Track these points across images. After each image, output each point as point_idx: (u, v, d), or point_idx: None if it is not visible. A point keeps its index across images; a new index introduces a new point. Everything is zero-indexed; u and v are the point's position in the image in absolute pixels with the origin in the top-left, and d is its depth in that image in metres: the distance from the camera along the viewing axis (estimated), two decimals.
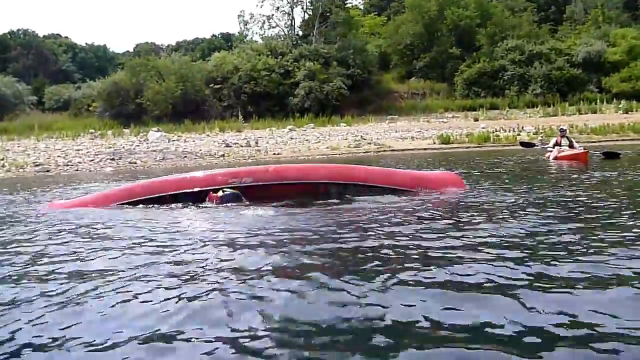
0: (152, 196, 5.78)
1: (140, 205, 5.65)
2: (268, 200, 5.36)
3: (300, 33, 44.43)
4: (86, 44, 70.81)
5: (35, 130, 29.96)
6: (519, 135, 21.90)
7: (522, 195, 5.28)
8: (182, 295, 2.33)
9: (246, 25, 43.90)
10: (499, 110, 33.22)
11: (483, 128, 24.81)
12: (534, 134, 21.68)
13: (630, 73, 34.94)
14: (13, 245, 3.86)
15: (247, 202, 5.37)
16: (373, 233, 3.62)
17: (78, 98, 41.46)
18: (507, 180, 7.15)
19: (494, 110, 33.32)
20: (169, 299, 2.31)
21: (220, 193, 5.49)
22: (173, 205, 5.54)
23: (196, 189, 5.63)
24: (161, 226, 4.34)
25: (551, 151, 11.68)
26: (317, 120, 32.29)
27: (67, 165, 17.37)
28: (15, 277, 2.87)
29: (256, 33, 45.48)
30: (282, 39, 42.56)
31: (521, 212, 4.23)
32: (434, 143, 21.78)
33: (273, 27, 43.28)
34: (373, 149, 21.38)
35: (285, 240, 3.50)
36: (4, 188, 10.71)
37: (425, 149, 20.89)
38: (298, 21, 43.73)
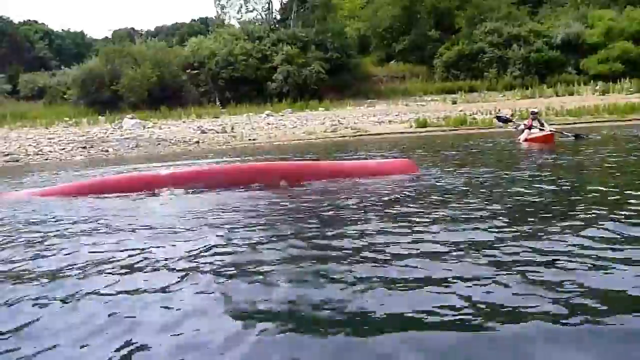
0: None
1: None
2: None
3: (278, 17, 43.97)
4: (62, 30, 69.52)
5: (8, 119, 29.37)
6: (495, 118, 21.88)
7: (472, 177, 5.22)
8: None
9: (223, 9, 43.42)
10: (478, 93, 33.26)
11: (460, 111, 24.79)
12: (510, 115, 21.69)
13: (608, 55, 35.08)
14: None
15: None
16: (315, 218, 3.53)
17: (53, 86, 40.71)
18: (465, 164, 7.09)
19: (472, 93, 33.35)
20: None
21: None
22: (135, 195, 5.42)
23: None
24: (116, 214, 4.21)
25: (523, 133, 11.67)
26: (295, 105, 32.08)
27: (38, 155, 17.03)
28: None
29: (233, 17, 44.99)
30: (260, 23, 42.09)
31: (464, 195, 4.16)
32: (411, 127, 21.72)
33: (250, 11, 42.87)
34: (350, 133, 21.26)
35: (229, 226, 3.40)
36: None
37: (401, 132, 20.82)
38: (276, 5, 43.35)
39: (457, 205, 3.72)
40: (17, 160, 16.04)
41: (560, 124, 17.01)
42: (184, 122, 27.00)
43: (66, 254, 2.99)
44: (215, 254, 2.77)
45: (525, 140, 11.16)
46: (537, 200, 3.90)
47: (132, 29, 63.88)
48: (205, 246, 2.94)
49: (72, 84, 36.53)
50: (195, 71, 36.00)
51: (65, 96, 37.47)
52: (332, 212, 3.87)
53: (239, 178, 5.56)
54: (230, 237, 3.17)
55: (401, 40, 40.89)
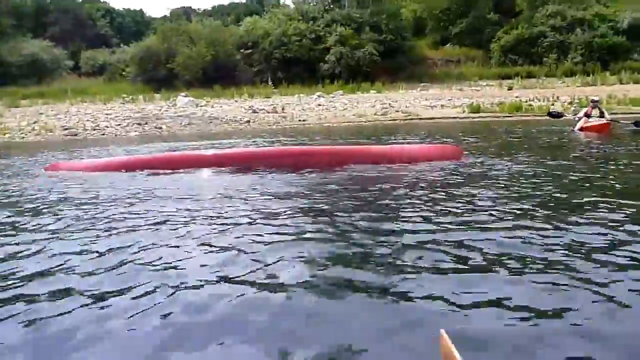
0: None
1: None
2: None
3: None
4: (123, 8, 71.18)
5: (69, 94, 30.46)
6: (552, 105, 21.16)
7: (518, 166, 5.06)
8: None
9: None
10: (536, 79, 32.13)
11: (516, 97, 24.06)
12: (568, 103, 20.91)
13: None
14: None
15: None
16: (357, 202, 3.52)
17: (112, 63, 41.92)
18: (514, 151, 6.87)
19: (530, 79, 32.24)
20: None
21: None
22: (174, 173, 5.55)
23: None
24: (147, 190, 4.32)
25: (579, 121, 11.25)
26: (346, 87, 31.88)
27: (95, 130, 17.63)
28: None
29: None
30: (314, 3, 41.82)
31: (506, 184, 4.04)
32: (463, 112, 21.28)
33: None
34: (400, 117, 21.03)
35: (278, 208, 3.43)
36: (25, 151, 10.95)
37: (454, 117, 20.42)
38: None
39: (497, 194, 3.62)
40: (76, 135, 16.66)
41: (622, 113, 16.29)
42: (236, 101, 27.33)
43: (110, 224, 3.09)
44: (253, 232, 2.80)
45: (581, 128, 10.75)
46: (580, 191, 3.75)
47: (189, 7, 64.72)
48: (241, 224, 2.98)
49: (130, 62, 37.52)
50: (249, 51, 36.23)
51: (123, 73, 38.53)
52: (368, 195, 3.85)
53: (281, 160, 5.60)
54: (270, 217, 3.19)
55: (458, 23, 39.84)
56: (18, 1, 56.61)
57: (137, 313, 1.78)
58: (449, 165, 5.17)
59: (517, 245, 2.36)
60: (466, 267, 2.11)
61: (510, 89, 29.14)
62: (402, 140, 9.83)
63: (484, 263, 2.15)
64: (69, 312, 1.84)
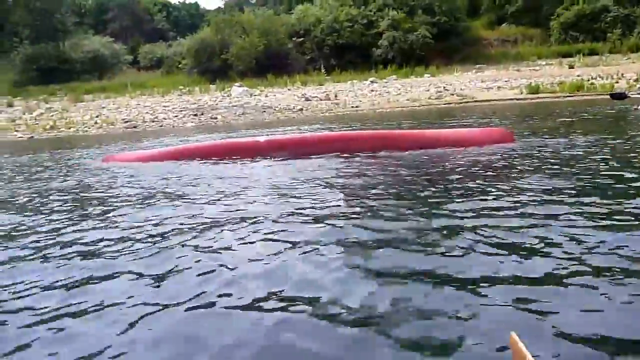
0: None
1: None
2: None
3: None
4: (179, 2, 72.71)
5: (129, 88, 31.49)
6: (617, 83, 20.18)
7: (573, 149, 4.85)
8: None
9: None
10: (599, 56, 30.70)
11: (578, 76, 23.11)
12: (634, 81, 19.88)
13: None
14: (69, 194, 4.10)
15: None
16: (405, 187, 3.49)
17: (169, 56, 43.02)
18: (572, 133, 6.59)
19: (592, 57, 30.83)
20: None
21: None
22: (228, 161, 5.64)
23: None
24: (215, 178, 4.43)
25: None
26: (400, 71, 31.51)
27: (154, 122, 18.17)
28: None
29: None
30: None
31: (559, 168, 3.89)
32: (521, 93, 20.61)
33: None
34: (455, 100, 20.61)
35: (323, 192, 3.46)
36: (82, 142, 11.42)
37: (511, 99, 19.82)
38: None
39: (548, 181, 3.49)
40: (136, 127, 17.23)
41: None
42: (289, 89, 27.51)
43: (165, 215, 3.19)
44: (302, 219, 2.83)
45: None
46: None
47: None
48: (291, 211, 3.01)
49: (186, 54, 38.41)
50: (301, 39, 36.35)
51: (180, 66, 39.49)
52: (415, 182, 3.80)
53: (328, 146, 5.62)
54: (316, 203, 3.21)
55: (514, 2, 38.54)
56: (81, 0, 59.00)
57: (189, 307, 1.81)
58: (499, 150, 5.02)
59: (583, 240, 2.25)
60: (526, 260, 2.04)
61: (571, 67, 27.99)
62: (455, 124, 9.63)
63: (542, 255, 2.08)
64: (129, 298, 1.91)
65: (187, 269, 2.13)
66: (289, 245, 2.33)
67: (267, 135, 7.30)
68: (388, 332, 1.52)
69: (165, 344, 1.55)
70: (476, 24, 38.86)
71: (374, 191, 3.48)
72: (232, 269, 2.08)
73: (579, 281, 1.79)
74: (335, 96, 22.77)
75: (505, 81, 24.53)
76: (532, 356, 1.03)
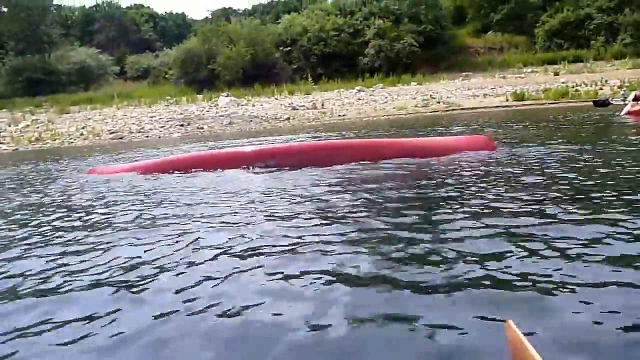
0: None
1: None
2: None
3: None
4: (165, 12, 72.79)
5: (115, 99, 31.35)
6: (601, 89, 20.41)
7: (554, 155, 4.87)
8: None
9: None
10: (583, 63, 31.06)
11: (563, 83, 23.37)
12: (618, 87, 20.10)
13: None
14: (51, 207, 4.05)
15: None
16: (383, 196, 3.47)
17: (156, 66, 42.94)
18: (553, 139, 6.63)
19: (577, 64, 31.19)
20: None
21: None
22: (213, 172, 5.59)
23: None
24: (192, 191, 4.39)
25: (626, 105, 10.78)
26: (386, 80, 31.65)
27: (140, 132, 18.08)
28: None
29: None
30: None
31: (538, 176, 3.89)
32: (507, 100, 20.78)
33: None
34: (441, 108, 20.73)
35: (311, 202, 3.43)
36: (67, 154, 11.32)
37: (497, 106, 19.96)
38: None
39: (527, 188, 3.49)
40: (122, 138, 17.14)
41: None
42: (276, 98, 27.52)
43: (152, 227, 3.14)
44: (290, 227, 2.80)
45: (628, 113, 10.28)
46: (624, 185, 3.58)
47: (230, 8, 65.59)
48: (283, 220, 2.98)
49: (172, 64, 38.35)
50: (288, 48, 36.44)
51: (166, 76, 39.41)
52: (394, 190, 3.79)
53: (311, 155, 5.59)
54: (312, 211, 3.18)
55: (499, 10, 38.92)
56: (67, 11, 58.80)
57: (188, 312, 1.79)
58: (479, 157, 5.03)
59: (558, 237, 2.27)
60: (510, 258, 2.06)
61: (556, 74, 28.30)
62: (441, 132, 9.67)
63: (521, 255, 2.09)
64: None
65: (173, 277, 2.10)
66: (275, 254, 2.31)
67: (253, 144, 7.26)
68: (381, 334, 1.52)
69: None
70: (462, 32, 39.19)
71: (353, 200, 3.46)
72: (218, 279, 2.05)
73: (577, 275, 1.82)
74: (322, 105, 22.81)
75: (492, 89, 24.73)
76: (529, 343, 1.02)
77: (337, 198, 3.65)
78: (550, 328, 1.47)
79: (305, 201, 3.56)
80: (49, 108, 29.91)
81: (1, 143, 17.43)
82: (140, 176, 5.78)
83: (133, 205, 3.92)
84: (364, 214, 3.05)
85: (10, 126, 21.97)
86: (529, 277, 1.86)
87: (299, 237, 2.58)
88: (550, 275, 1.85)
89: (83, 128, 19.70)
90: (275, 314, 1.73)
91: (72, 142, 16.94)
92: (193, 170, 5.75)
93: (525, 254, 2.09)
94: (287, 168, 5.31)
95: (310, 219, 3.02)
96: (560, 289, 1.73)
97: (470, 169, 4.49)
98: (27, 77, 38.81)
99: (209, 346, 1.56)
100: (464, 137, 6.14)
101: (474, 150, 5.32)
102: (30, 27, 42.82)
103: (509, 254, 2.09)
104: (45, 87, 37.82)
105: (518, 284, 1.80)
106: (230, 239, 2.65)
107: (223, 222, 3.05)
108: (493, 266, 1.97)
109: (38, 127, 20.86)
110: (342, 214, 3.09)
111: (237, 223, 3.00)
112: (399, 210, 3.10)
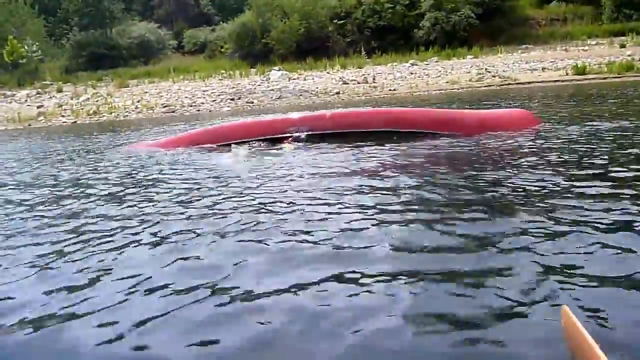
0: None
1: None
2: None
3: None
4: None
5: (171, 73, 32.01)
6: None
7: (603, 133, 4.63)
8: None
9: None
10: None
11: (629, 56, 22.09)
12: None
13: None
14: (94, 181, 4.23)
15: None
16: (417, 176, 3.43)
17: (212, 40, 43.45)
18: (606, 116, 6.30)
19: None
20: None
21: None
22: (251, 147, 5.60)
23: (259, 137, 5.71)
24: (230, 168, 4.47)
25: None
26: (442, 53, 30.85)
27: (191, 106, 18.45)
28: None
29: None
30: None
31: (580, 155, 3.72)
32: (567, 74, 19.88)
33: None
34: (496, 82, 20.06)
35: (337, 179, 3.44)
36: (120, 127, 11.71)
37: (555, 81, 19.14)
38: None
39: (566, 169, 3.35)
40: (174, 111, 17.55)
41: None
42: (328, 73, 27.36)
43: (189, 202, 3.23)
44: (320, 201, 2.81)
45: None
46: None
47: None
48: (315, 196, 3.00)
49: (227, 38, 38.68)
50: (342, 21, 36.01)
51: (222, 50, 39.85)
52: (417, 166, 3.73)
53: (342, 122, 5.57)
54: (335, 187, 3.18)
55: None
56: None
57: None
58: (518, 134, 4.82)
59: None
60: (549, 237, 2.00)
61: (622, 46, 26.74)
62: (488, 106, 9.38)
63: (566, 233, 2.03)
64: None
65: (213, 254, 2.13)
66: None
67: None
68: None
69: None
70: (524, 3, 37.48)
71: (388, 177, 3.43)
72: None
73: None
74: (374, 79, 22.53)
75: (551, 62, 23.70)
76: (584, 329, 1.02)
77: (364, 177, 3.61)
78: (605, 318, 1.41)
79: (353, 178, 3.53)
80: (109, 82, 30.91)
81: (62, 116, 18.20)
82: (174, 150, 5.90)
83: (162, 181, 4.01)
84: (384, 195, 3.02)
85: (72, 99, 22.87)
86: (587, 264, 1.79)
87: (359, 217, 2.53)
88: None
89: (138, 102, 20.27)
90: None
91: (127, 116, 17.49)
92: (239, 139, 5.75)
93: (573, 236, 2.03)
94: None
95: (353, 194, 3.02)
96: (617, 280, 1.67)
97: (506, 146, 4.35)
98: (90, 52, 40.14)
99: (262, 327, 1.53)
100: (504, 111, 5.94)
101: (512, 126, 5.12)
102: (94, 2, 44.09)
103: (556, 238, 2.03)
104: (107, 62, 39.06)
105: (574, 271, 1.74)
106: (266, 220, 2.57)
107: (260, 204, 2.95)
108: (544, 252, 1.90)
109: (97, 101, 21.62)
110: (361, 195, 3.07)
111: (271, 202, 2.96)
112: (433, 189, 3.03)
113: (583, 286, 1.60)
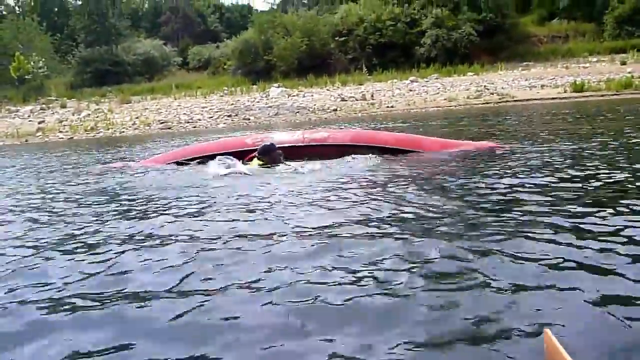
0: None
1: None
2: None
3: None
4: (231, 3, 74.10)
5: (173, 89, 32.25)
6: None
7: (572, 152, 4.61)
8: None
9: None
10: None
11: (629, 73, 22.04)
12: None
13: None
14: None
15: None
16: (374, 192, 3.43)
17: (216, 57, 43.76)
18: (585, 134, 6.26)
19: None
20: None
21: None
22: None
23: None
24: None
25: None
26: (442, 70, 30.92)
27: (188, 122, 18.55)
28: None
29: None
30: None
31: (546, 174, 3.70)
32: (565, 91, 19.85)
33: None
34: (494, 99, 20.06)
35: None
36: (115, 143, 11.76)
37: (553, 98, 19.11)
38: None
39: (542, 188, 3.33)
40: (170, 128, 17.64)
41: None
42: (328, 89, 27.46)
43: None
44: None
45: None
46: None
47: None
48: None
49: (230, 55, 38.96)
50: (344, 38, 36.20)
51: (225, 67, 40.12)
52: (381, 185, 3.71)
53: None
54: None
55: None
56: (137, 3, 61.11)
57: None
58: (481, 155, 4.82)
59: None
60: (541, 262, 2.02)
61: (623, 63, 26.71)
62: (465, 130, 9.37)
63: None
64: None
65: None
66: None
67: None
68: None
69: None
70: (526, 21, 37.55)
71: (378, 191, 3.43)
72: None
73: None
74: (372, 96, 22.58)
75: (551, 79, 23.70)
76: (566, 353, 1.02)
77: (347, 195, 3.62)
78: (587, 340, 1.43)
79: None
80: (113, 98, 31.17)
81: (60, 132, 18.34)
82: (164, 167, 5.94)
83: (156, 197, 4.03)
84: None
85: (73, 115, 23.07)
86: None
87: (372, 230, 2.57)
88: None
89: (137, 118, 20.41)
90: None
91: (123, 132, 17.59)
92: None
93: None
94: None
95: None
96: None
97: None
98: (95, 68, 40.53)
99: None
100: (471, 144, 5.91)
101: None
102: (100, 20, 44.64)
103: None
104: (112, 78, 39.42)
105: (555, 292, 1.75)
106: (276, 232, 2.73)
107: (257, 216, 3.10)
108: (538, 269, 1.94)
109: (97, 117, 21.79)
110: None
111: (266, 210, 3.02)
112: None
113: (563, 308, 1.61)
